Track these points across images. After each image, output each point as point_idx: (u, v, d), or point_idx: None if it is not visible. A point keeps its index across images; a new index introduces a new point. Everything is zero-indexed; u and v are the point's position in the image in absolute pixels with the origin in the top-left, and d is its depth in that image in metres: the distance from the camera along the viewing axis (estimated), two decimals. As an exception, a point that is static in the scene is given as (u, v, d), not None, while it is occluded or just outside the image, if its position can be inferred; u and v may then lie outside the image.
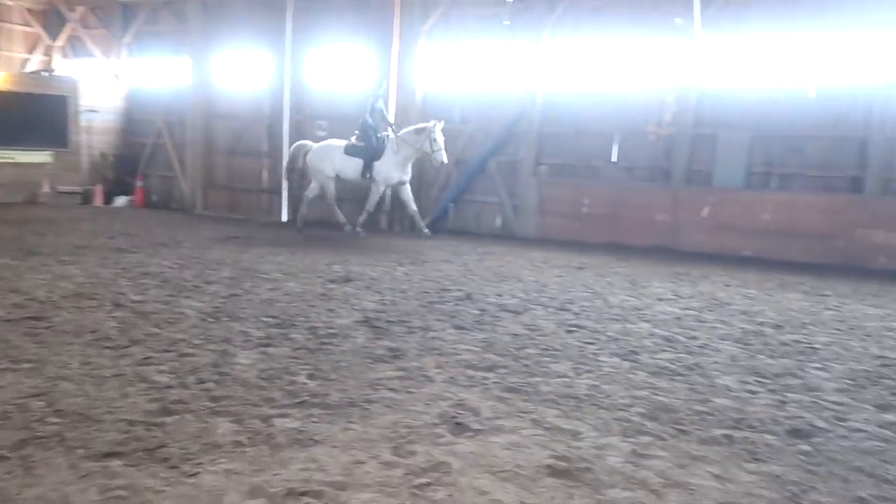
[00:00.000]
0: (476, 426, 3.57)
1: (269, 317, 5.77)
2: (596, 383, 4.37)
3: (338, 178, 11.55)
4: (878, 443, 3.58)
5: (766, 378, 4.62)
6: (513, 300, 6.86)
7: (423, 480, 2.94)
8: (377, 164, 11.18)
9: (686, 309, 6.78)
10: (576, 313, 6.39)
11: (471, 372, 4.51)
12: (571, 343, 5.34)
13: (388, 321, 5.76)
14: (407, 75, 12.97)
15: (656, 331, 5.81)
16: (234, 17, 14.67)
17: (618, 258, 10.11)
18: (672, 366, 4.82)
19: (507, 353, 4.98)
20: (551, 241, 11.60)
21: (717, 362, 4.96)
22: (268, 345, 4.95)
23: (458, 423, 3.59)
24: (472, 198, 12.98)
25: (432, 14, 12.88)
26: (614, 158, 11.90)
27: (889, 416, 3.99)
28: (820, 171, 10.55)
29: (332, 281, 7.51)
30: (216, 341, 4.97)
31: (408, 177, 11.38)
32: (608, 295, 7.35)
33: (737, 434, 3.61)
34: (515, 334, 5.52)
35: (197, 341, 4.96)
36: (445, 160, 11.10)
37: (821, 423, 3.82)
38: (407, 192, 11.47)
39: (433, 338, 5.31)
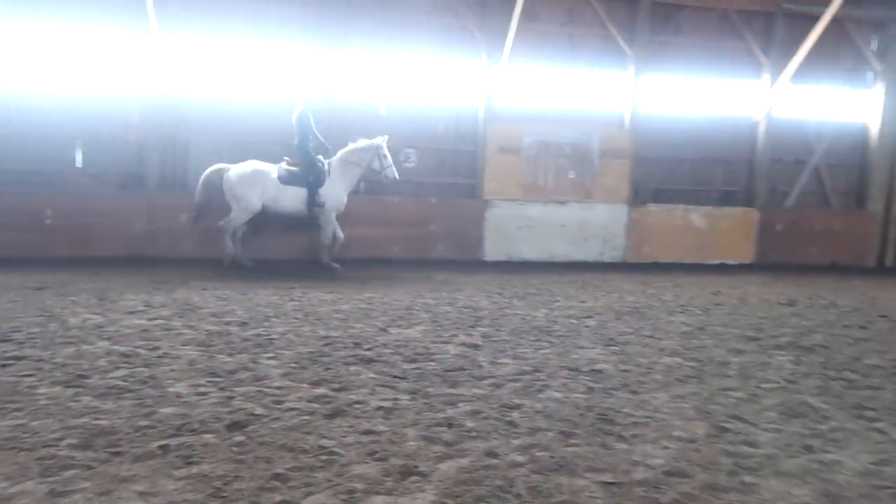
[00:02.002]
0: None
1: None
2: (22, 422, 3.80)
3: (264, 211, 9.84)
4: (304, 417, 4.01)
5: (220, 377, 4.75)
6: (-70, 339, 5.53)
7: None
8: (324, 191, 9.94)
9: (155, 319, 6.54)
10: (19, 343, 5.52)
11: None
12: (4, 379, 4.55)
13: None
14: None
15: (115, 348, 5.43)
16: None
17: (89, 273, 9.23)
18: (123, 383, 4.54)
19: None
20: (4, 260, 9.89)
21: (173, 370, 4.88)
22: None
23: None
24: None
25: None
26: (79, 164, 10.82)
27: (319, 391, 4.53)
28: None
29: None
30: None
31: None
32: (68, 316, 6.59)
33: (175, 441, 3.57)
34: (-79, 382, 4.43)
35: None
36: (398, 176, 10.43)
37: (260, 411, 4.08)
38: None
39: None
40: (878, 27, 13.81)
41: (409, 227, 11.73)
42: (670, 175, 13.42)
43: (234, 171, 9.92)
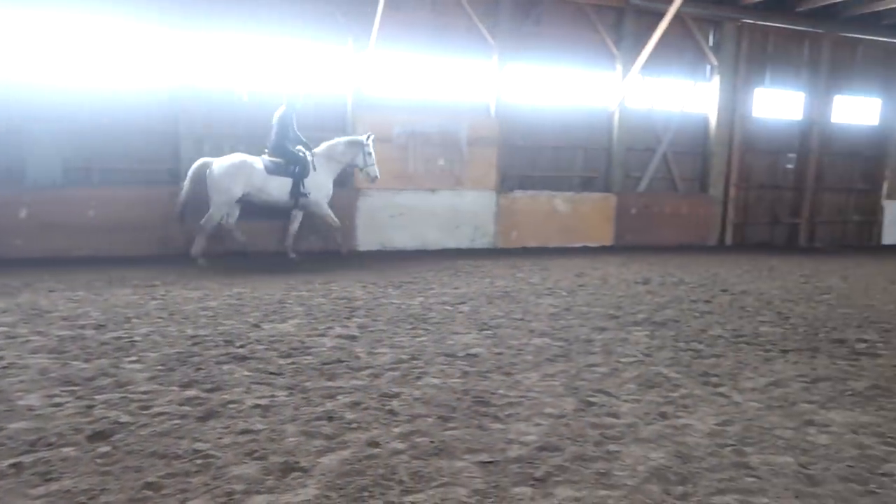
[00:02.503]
0: None
1: None
2: None
3: (250, 201, 10.16)
4: (176, 422, 3.86)
5: (77, 385, 4.45)
6: None
7: None
8: (309, 182, 10.38)
9: (-5, 326, 5.98)
10: None
11: None
12: None
13: None
14: None
15: (-51, 360, 4.92)
16: None
17: (-90, 278, 8.24)
18: (-38, 399, 4.14)
19: None
20: None
21: (22, 381, 4.51)
22: None
23: None
24: None
25: None
26: None
27: (190, 392, 4.37)
28: (142, 164, 10.97)
29: None
30: None
31: None
32: None
33: (29, 458, 3.32)
34: None
35: None
36: (379, 175, 10.95)
37: (126, 419, 3.88)
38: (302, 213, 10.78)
39: None
40: (714, 24, 15.12)
41: (277, 220, 11.44)
42: (535, 162, 14.01)
43: (219, 162, 9.96)
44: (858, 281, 10.68)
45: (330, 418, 4.01)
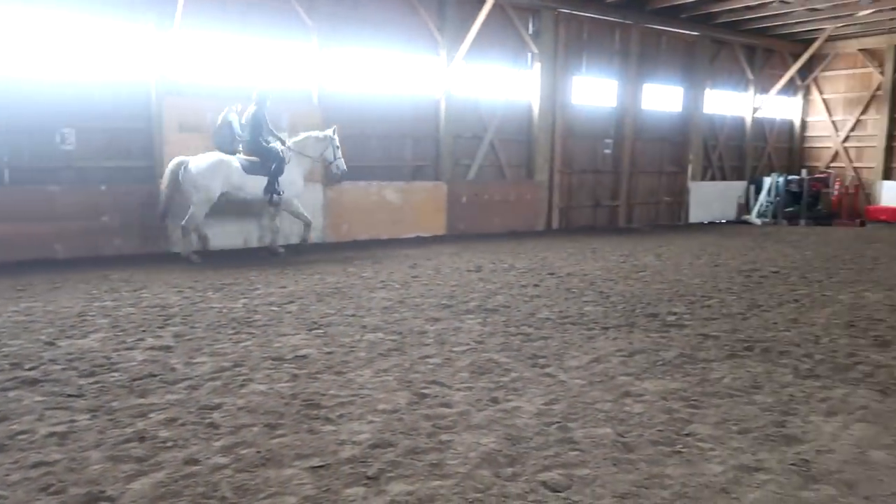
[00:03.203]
0: None
1: None
2: None
3: (226, 199, 10.53)
4: (-51, 462, 3.45)
5: None
6: None
7: None
8: (283, 179, 10.78)
9: None
10: None
11: None
12: None
13: None
14: None
15: None
16: None
17: None
18: None
19: None
20: None
21: None
22: None
23: None
24: None
25: None
26: None
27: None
28: None
29: None
30: None
31: None
32: None
33: None
34: None
35: None
36: (345, 168, 11.51)
37: None
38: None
39: None
40: (533, 13, 16.01)
41: (76, 220, 10.51)
42: (363, 151, 14.00)
43: (196, 162, 10.23)
44: (670, 258, 11.89)
45: (141, 439, 3.79)
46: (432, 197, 14.50)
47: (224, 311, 7.12)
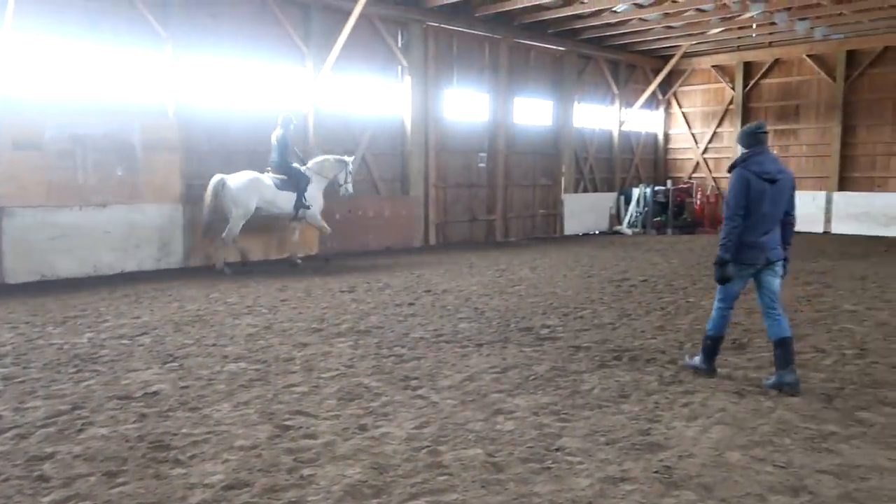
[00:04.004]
0: None
1: None
2: None
3: (259, 213, 11.70)
4: None
5: None
6: None
7: None
8: (308, 195, 12.16)
9: None
10: None
11: None
12: None
13: None
14: None
15: None
16: None
17: None
18: None
19: None
20: None
21: None
22: None
23: None
24: None
25: None
26: None
27: None
28: None
29: None
30: None
31: None
32: None
33: None
34: None
35: None
36: (352, 192, 13.20)
37: None
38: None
39: None
40: (401, 25, 16.14)
41: None
42: (229, 168, 13.50)
43: (235, 179, 11.43)
44: (545, 271, 12.26)
45: (-47, 501, 3.40)
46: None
47: (65, 347, 6.59)
